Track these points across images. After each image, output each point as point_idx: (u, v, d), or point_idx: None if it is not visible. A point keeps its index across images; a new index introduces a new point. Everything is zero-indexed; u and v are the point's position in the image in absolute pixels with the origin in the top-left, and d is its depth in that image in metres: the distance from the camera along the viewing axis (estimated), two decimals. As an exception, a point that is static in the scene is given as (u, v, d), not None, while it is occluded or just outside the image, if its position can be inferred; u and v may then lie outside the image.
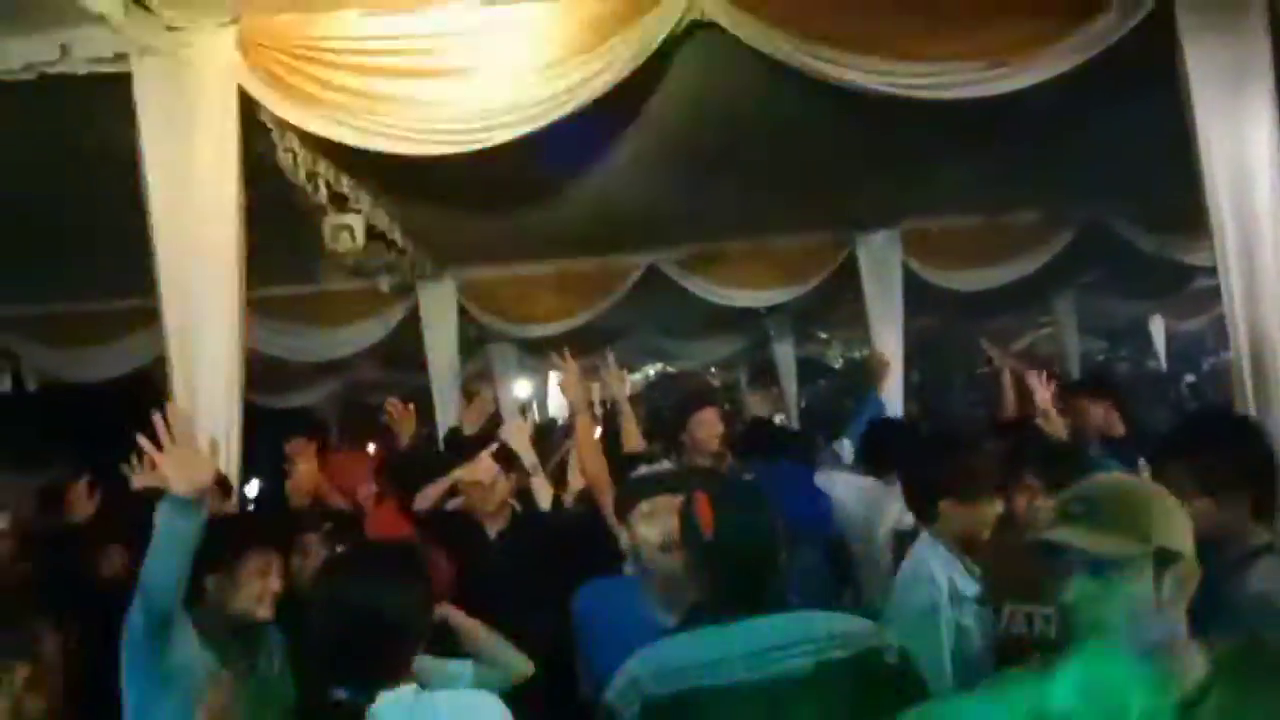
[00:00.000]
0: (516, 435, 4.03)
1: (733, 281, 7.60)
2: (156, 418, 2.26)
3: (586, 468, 3.53)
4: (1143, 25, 3.34)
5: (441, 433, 7.44)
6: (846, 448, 5.44)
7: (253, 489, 7.71)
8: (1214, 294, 3.66)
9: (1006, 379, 6.12)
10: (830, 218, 6.89)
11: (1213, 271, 3.61)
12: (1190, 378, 13.27)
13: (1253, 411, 3.38)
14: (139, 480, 3.66)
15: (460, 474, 3.75)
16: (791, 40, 3.52)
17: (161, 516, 2.18)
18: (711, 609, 2.01)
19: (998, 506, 2.77)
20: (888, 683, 1.91)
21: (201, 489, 2.21)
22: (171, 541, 2.16)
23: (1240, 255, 3.45)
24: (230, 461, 3.51)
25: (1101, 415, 4.75)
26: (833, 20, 3.48)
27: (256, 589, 2.57)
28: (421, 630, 1.92)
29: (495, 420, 5.86)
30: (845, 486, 4.51)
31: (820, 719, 1.85)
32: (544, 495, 3.93)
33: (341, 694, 1.80)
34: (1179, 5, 3.31)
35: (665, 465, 3.70)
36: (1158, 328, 13.81)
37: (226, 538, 2.53)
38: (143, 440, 2.26)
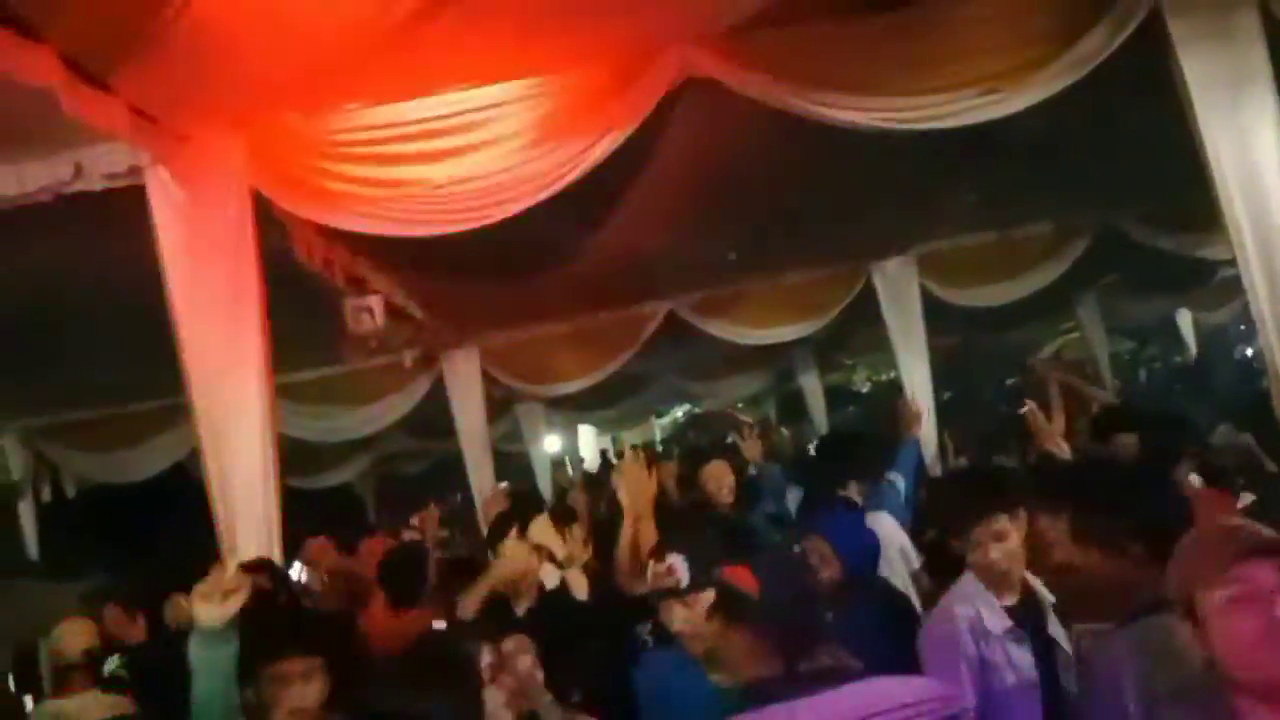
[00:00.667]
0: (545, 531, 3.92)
1: (752, 321, 7.64)
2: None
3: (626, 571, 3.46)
4: (1136, 37, 3.36)
5: (476, 495, 7.48)
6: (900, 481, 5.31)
7: (295, 571, 7.73)
8: (1238, 283, 3.65)
9: (1054, 390, 5.89)
10: (843, 250, 6.92)
11: (1233, 262, 3.60)
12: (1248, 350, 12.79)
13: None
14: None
15: (496, 575, 3.64)
16: (786, 87, 3.57)
17: (196, 651, 2.28)
18: (770, 684, 1.96)
19: (1013, 537, 2.70)
20: None
21: (229, 618, 2.29)
22: (209, 672, 2.25)
23: (1259, 251, 3.46)
24: (273, 546, 3.54)
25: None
26: (825, 64, 3.53)
27: (279, 698, 2.46)
28: None
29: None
30: (890, 528, 4.45)
31: None
32: (579, 586, 3.75)
33: None
34: (1169, 14, 3.33)
35: None
36: (1185, 321, 13.67)
37: (261, 650, 2.50)
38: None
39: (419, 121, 3.53)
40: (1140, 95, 3.90)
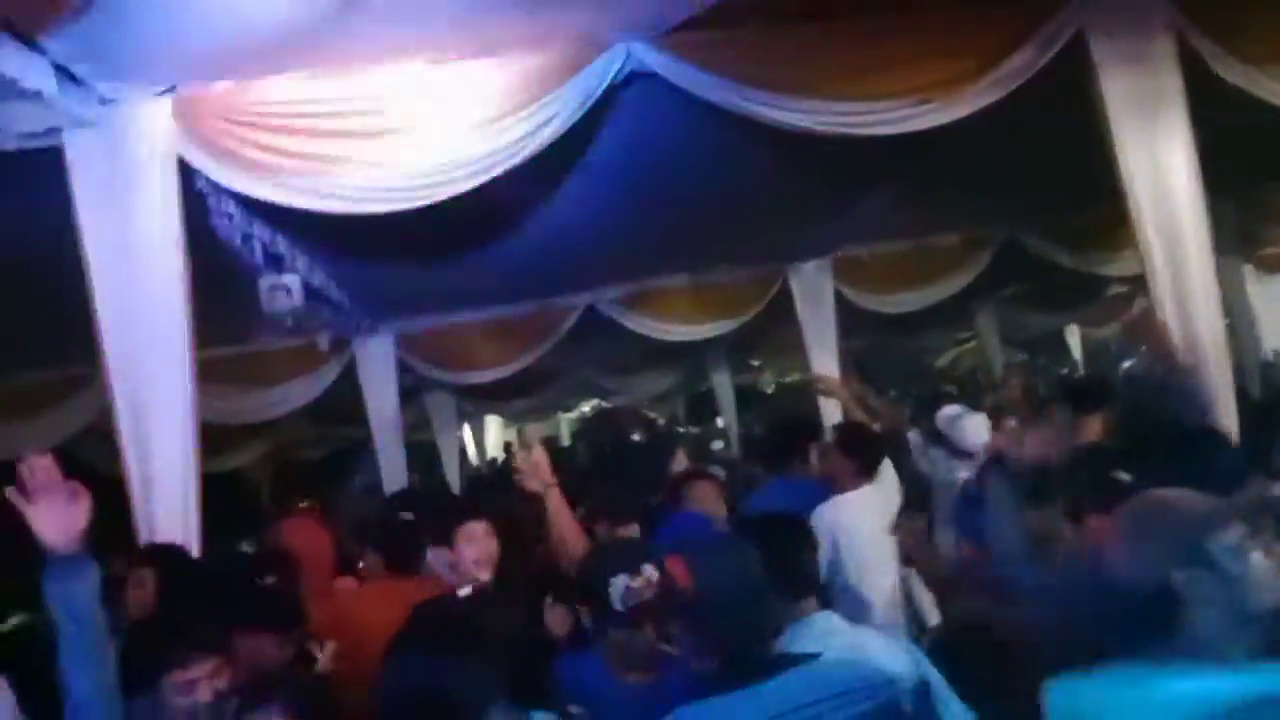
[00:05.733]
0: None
1: (671, 317, 7.71)
2: (21, 467, 2.09)
3: (568, 541, 3.41)
4: (1060, 57, 3.53)
5: (386, 486, 7.33)
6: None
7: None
8: (1125, 300, 3.88)
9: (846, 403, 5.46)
10: (764, 251, 7.04)
11: (1124, 281, 3.82)
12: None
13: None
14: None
15: None
16: (724, 85, 3.62)
17: (50, 586, 2.03)
18: (713, 677, 1.94)
19: None
20: None
21: (79, 539, 2.06)
22: (69, 612, 2.02)
23: (1168, 268, 3.65)
24: (190, 531, 3.41)
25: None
26: (767, 65, 3.60)
27: (181, 704, 2.29)
28: (484, 696, 1.86)
29: None
30: None
31: None
32: None
33: None
34: (1092, 38, 3.50)
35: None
36: (1074, 335, 14.38)
37: (139, 659, 2.32)
38: (12, 494, 2.08)
39: (358, 97, 3.46)
40: (1055, 114, 4.09)
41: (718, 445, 12.14)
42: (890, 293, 7.85)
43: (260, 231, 4.50)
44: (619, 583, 2.31)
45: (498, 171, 3.60)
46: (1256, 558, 1.63)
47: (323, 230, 4.49)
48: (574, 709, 2.06)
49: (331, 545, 5.20)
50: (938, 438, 4.99)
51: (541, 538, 3.55)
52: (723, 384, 11.84)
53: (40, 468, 2.09)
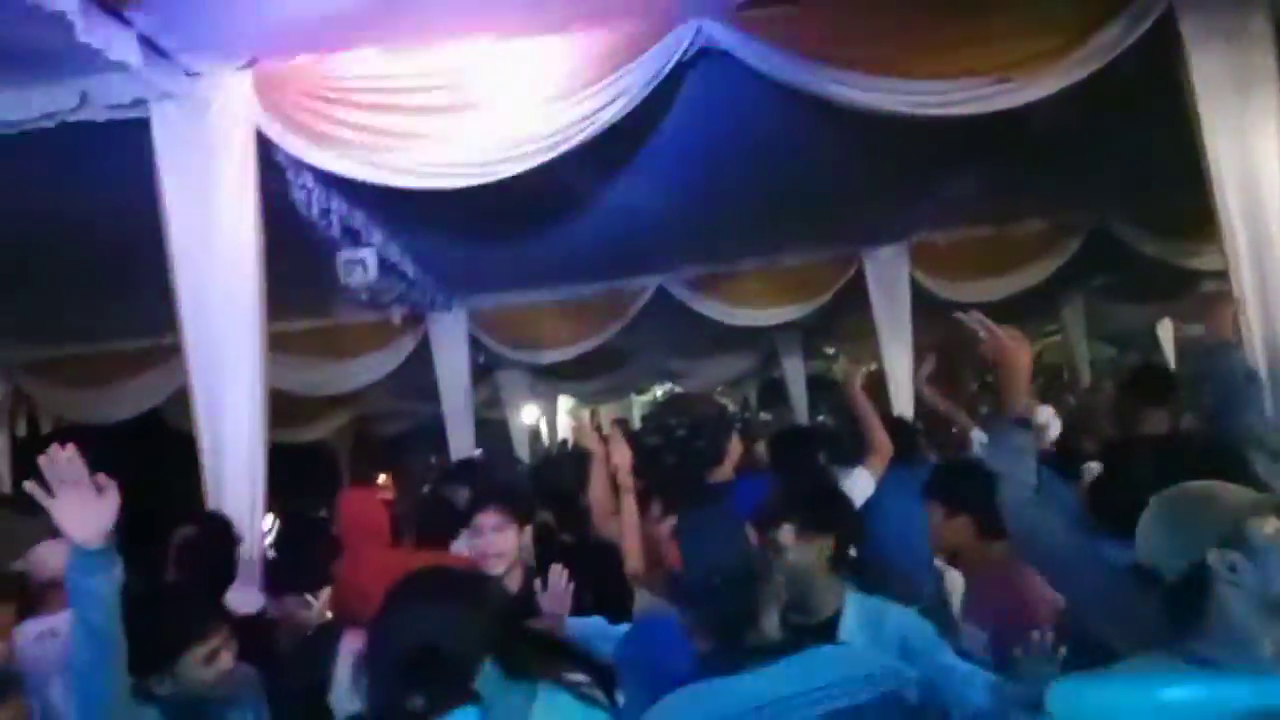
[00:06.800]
0: None
1: (743, 301, 7.64)
2: (42, 461, 1.99)
3: (597, 508, 3.44)
4: (1148, 34, 3.39)
5: (454, 459, 7.45)
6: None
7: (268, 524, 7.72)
8: (1220, 297, 3.69)
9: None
10: (838, 235, 6.93)
11: (1218, 275, 3.64)
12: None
13: (1270, 408, 3.40)
14: None
15: None
16: (799, 64, 3.57)
17: (72, 578, 1.98)
18: (712, 657, 1.89)
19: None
20: None
21: (106, 534, 1.98)
22: (91, 608, 1.97)
23: (1251, 258, 3.49)
24: (256, 501, 3.53)
25: None
26: (839, 43, 3.53)
27: (206, 676, 2.34)
28: (475, 658, 1.86)
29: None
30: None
31: None
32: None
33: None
34: (1183, 14, 3.35)
35: None
36: (1166, 331, 13.79)
37: (161, 642, 2.32)
38: (31, 487, 1.99)
39: (431, 72, 3.51)
40: (1142, 97, 3.93)
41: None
42: (970, 280, 7.63)
43: (336, 205, 4.61)
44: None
45: (566, 148, 3.61)
46: None
47: (397, 205, 4.58)
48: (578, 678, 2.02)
49: (387, 517, 5.26)
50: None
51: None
52: (795, 370, 11.70)
53: (63, 460, 2.00)
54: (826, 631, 2.31)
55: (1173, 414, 3.13)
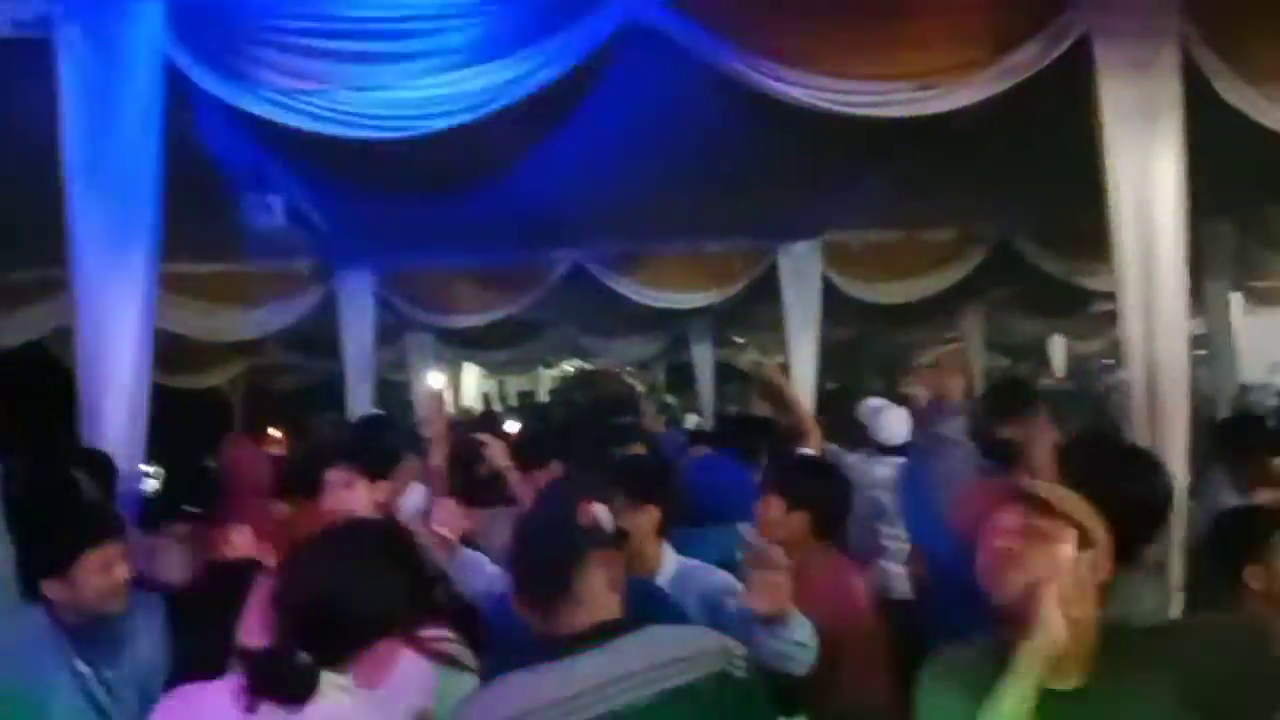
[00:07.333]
0: None
1: (659, 283, 7.67)
2: None
3: None
4: (1064, 57, 3.50)
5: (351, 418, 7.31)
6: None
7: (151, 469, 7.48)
8: (1112, 318, 3.84)
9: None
10: (755, 225, 7.01)
11: (1111, 296, 3.78)
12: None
13: (1146, 430, 3.56)
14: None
15: None
16: (729, 50, 3.58)
17: None
18: (534, 646, 1.85)
19: None
20: (734, 704, 1.79)
21: None
22: None
23: (1140, 281, 3.61)
24: (137, 441, 3.43)
25: None
26: (773, 34, 3.56)
27: (101, 585, 2.38)
28: (386, 621, 1.82)
29: None
30: None
31: None
32: None
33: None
34: (1098, 38, 3.46)
35: None
36: (1058, 346, 14.38)
37: (58, 542, 2.37)
38: None
39: (357, 20, 3.42)
40: (1055, 118, 4.06)
41: (693, 418, 12.12)
42: (879, 282, 7.83)
43: (247, 147, 4.46)
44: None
45: (488, 111, 3.56)
46: None
47: (311, 153, 4.45)
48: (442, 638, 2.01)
49: (269, 471, 5.13)
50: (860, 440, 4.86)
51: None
52: (704, 357, 11.82)
53: None
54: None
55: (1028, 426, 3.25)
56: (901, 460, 4.33)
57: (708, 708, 1.76)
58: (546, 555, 1.86)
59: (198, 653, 2.35)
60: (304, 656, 1.68)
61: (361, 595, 1.75)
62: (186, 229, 3.87)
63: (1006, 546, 1.71)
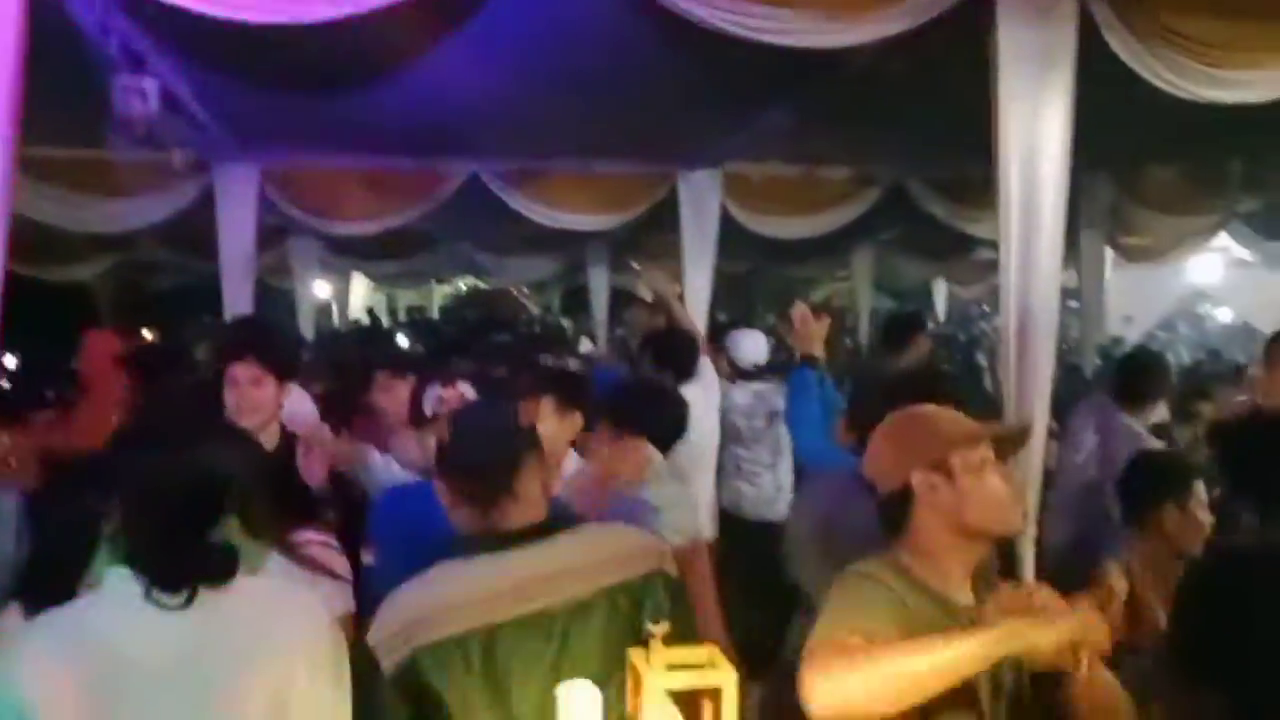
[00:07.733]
0: None
1: (557, 203, 7.53)
2: None
3: None
4: (969, 5, 3.52)
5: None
6: None
7: (10, 361, 7.12)
8: (993, 265, 3.96)
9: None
10: (654, 150, 6.95)
11: (994, 244, 3.89)
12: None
13: (1014, 379, 3.71)
14: None
15: None
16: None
17: None
18: (468, 539, 1.90)
19: None
20: (666, 602, 1.87)
21: None
22: None
23: (1021, 230, 3.71)
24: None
25: None
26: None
27: None
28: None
29: None
30: None
31: (603, 647, 1.78)
32: None
33: None
34: (1000, -15, 3.49)
35: None
36: (940, 291, 14.88)
37: None
38: None
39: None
40: (954, 63, 4.10)
41: (586, 343, 12.12)
42: (776, 216, 7.88)
43: (119, 23, 4.15)
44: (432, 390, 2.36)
45: (378, 4, 3.37)
46: (994, 481, 1.78)
47: (191, 36, 4.19)
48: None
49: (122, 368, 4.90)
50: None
51: None
52: (600, 280, 11.79)
53: None
54: None
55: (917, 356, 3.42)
56: (760, 386, 4.66)
57: (643, 604, 1.84)
58: (490, 455, 1.89)
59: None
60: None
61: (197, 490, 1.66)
62: (51, 111, 3.59)
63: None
